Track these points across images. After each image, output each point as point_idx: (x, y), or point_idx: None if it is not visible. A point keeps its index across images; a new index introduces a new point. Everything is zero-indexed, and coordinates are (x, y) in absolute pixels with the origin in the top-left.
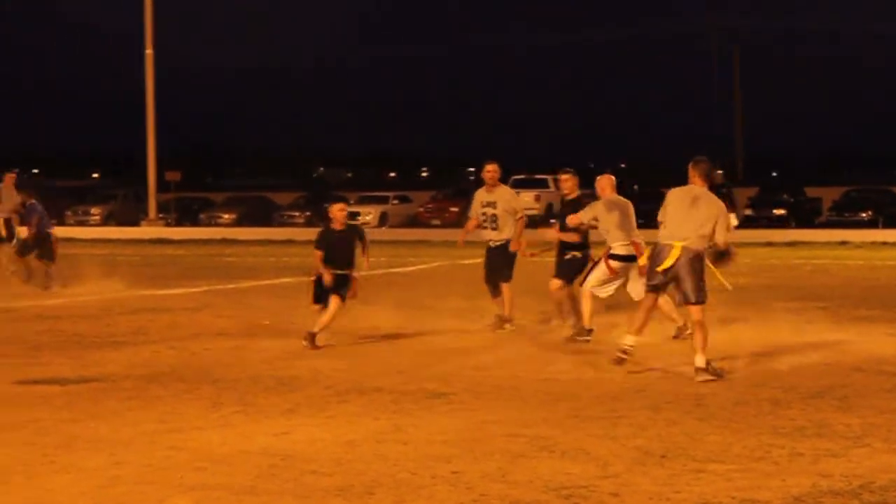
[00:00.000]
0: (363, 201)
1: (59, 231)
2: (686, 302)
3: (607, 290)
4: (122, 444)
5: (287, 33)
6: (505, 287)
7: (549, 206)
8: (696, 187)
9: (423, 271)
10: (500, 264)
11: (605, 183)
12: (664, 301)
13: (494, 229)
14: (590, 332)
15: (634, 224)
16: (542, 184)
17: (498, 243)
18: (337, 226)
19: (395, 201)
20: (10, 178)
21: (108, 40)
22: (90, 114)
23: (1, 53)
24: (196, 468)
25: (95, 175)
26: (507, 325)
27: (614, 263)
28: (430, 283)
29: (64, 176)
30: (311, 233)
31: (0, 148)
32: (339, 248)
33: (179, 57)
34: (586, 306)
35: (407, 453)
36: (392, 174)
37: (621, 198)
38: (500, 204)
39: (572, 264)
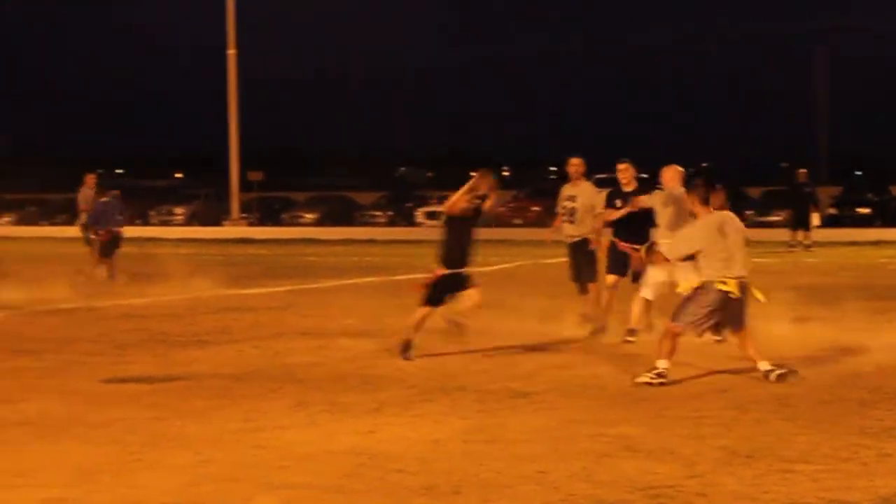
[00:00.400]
0: (443, 201)
1: (143, 231)
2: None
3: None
4: (209, 442)
5: (368, 35)
6: (591, 286)
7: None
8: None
9: (505, 270)
10: (582, 262)
11: (672, 174)
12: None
13: (572, 223)
14: (633, 332)
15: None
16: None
17: (576, 239)
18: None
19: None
20: (91, 179)
21: (191, 41)
22: (175, 114)
23: (84, 57)
24: (281, 467)
25: (179, 175)
26: (592, 325)
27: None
28: (513, 282)
29: (148, 176)
30: (393, 232)
31: (85, 149)
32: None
33: (263, 59)
34: (637, 308)
35: (492, 452)
36: (473, 173)
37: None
38: (581, 199)
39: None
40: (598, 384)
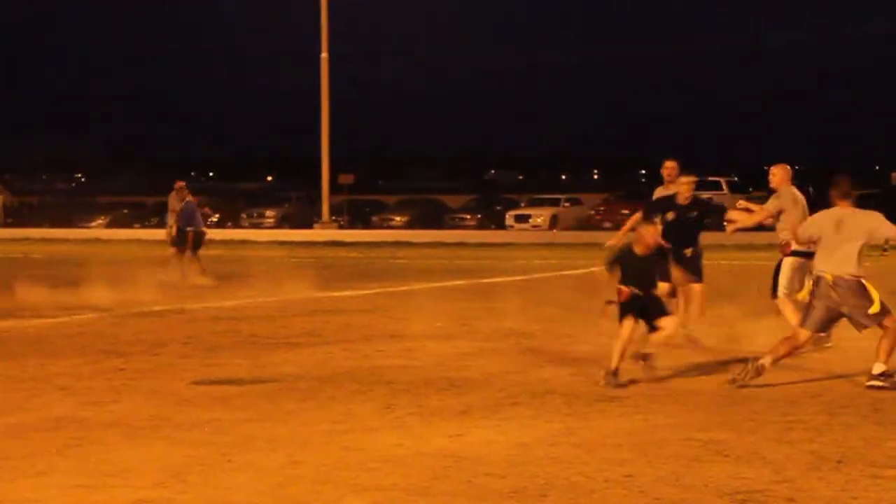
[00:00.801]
0: (534, 203)
1: (234, 233)
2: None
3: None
4: (299, 443)
5: (460, 38)
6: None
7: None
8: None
9: (594, 274)
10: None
11: (784, 174)
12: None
13: None
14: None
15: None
16: (715, 186)
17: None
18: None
19: (567, 204)
20: (180, 185)
21: (287, 45)
22: (267, 117)
23: (177, 62)
24: (370, 469)
25: (270, 178)
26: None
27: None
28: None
29: (240, 179)
30: (482, 235)
31: (178, 152)
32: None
33: (358, 63)
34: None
35: (580, 456)
36: (563, 176)
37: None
38: None
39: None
40: (688, 388)
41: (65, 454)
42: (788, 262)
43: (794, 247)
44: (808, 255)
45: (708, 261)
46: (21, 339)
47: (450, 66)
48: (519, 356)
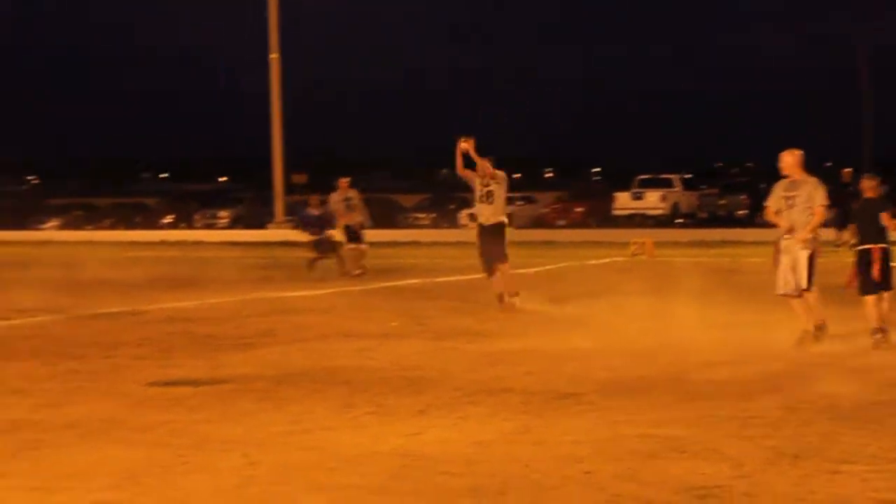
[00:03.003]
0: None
1: (187, 234)
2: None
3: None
4: (255, 444)
5: (401, 37)
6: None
7: (675, 206)
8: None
9: (548, 272)
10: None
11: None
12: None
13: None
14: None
15: None
16: (668, 183)
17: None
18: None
19: (520, 202)
20: (344, 182)
21: (234, 47)
22: (218, 118)
23: (127, 61)
24: (328, 468)
25: (223, 179)
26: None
27: None
28: (557, 283)
29: (192, 180)
30: (436, 234)
31: (129, 152)
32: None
33: (308, 64)
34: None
35: (538, 454)
36: (516, 175)
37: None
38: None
39: None
40: (645, 386)
41: (21, 457)
42: None
43: None
44: None
45: None
46: None
47: (400, 64)
48: (475, 355)
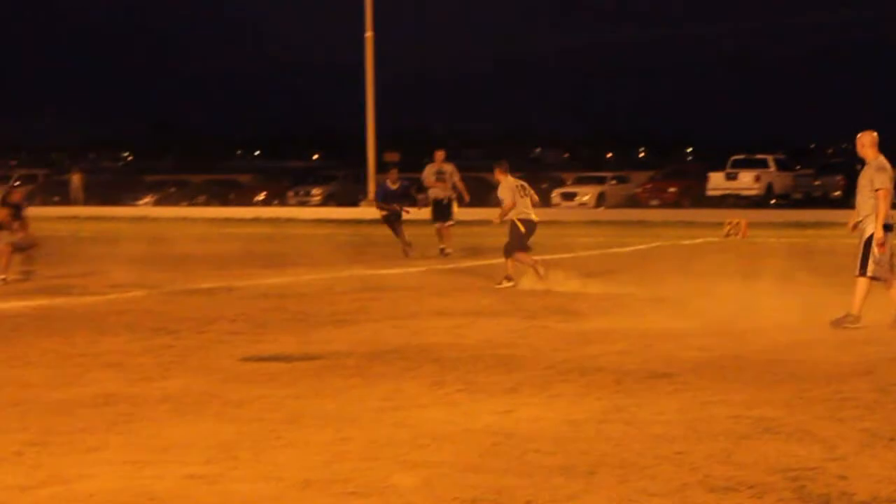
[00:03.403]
0: (581, 181)
1: (280, 211)
2: None
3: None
4: (348, 420)
5: (503, 18)
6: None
7: (769, 187)
8: None
9: (641, 251)
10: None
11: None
12: None
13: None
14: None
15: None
16: (762, 164)
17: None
18: None
19: (613, 181)
20: (439, 154)
21: (332, 22)
22: (315, 95)
23: (222, 42)
24: (420, 445)
25: (316, 156)
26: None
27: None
28: (650, 263)
29: (286, 157)
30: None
31: (225, 130)
32: None
33: (401, 42)
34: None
35: (630, 433)
36: (609, 154)
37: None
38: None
39: None
40: (738, 366)
41: (115, 430)
42: None
43: None
44: None
45: None
46: (71, 316)
47: (495, 46)
48: (567, 334)
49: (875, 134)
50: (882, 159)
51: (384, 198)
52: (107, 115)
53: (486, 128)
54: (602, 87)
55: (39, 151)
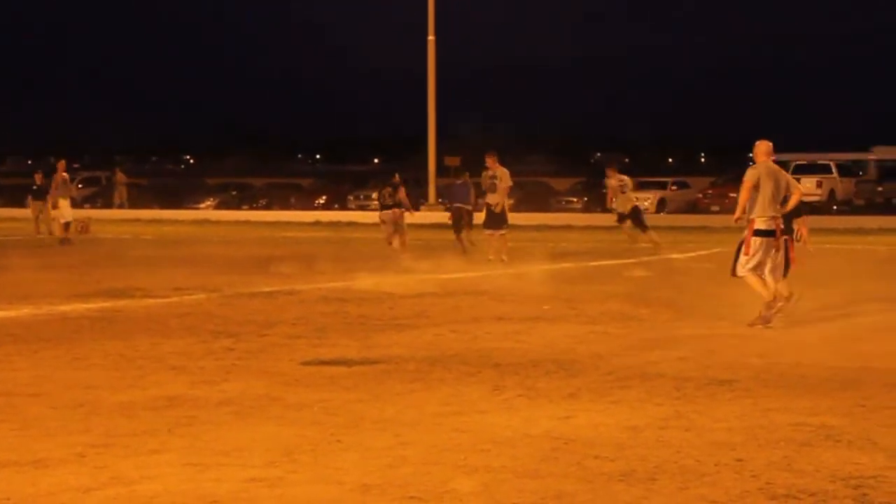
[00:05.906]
0: (641, 187)
1: (341, 215)
2: None
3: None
4: (408, 425)
5: (562, 22)
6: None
7: (831, 193)
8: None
9: (702, 257)
10: None
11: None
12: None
13: None
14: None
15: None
16: (825, 169)
17: None
18: None
19: (674, 187)
20: (490, 159)
21: (396, 28)
22: (375, 99)
23: (285, 46)
24: (480, 450)
25: (377, 160)
26: None
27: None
28: (710, 269)
29: (347, 161)
30: (589, 218)
31: (287, 134)
32: None
33: (463, 46)
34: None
35: (690, 440)
36: (670, 159)
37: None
38: None
39: None
40: (799, 373)
41: (176, 433)
42: None
43: None
44: None
45: None
46: (132, 319)
47: (550, 50)
48: (627, 339)
49: None
50: None
51: (447, 195)
52: (172, 118)
53: (549, 131)
54: (666, 90)
55: (102, 153)
